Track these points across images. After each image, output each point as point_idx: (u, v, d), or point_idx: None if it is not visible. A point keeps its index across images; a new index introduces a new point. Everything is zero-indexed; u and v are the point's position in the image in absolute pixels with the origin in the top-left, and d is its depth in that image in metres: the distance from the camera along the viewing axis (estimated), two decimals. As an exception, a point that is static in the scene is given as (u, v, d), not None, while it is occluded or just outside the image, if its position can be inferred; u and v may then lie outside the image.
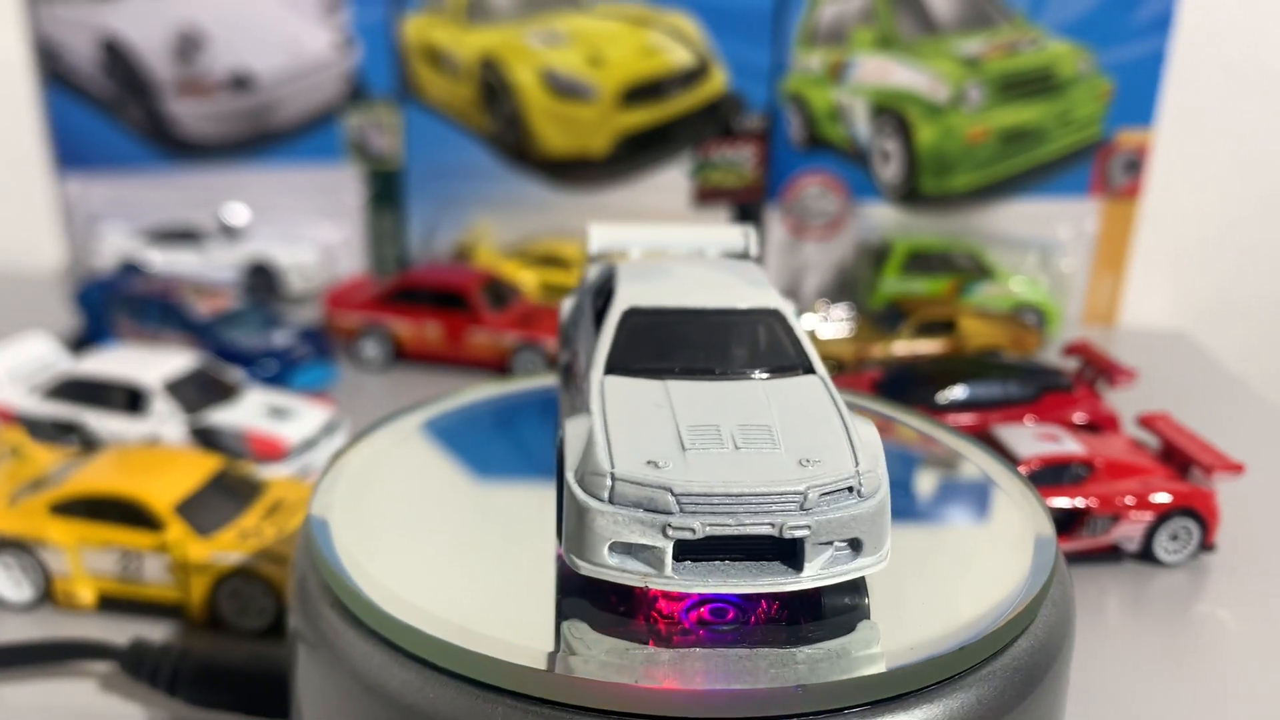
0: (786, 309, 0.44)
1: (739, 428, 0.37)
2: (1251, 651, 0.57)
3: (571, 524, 0.36)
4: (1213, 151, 1.08)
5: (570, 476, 0.36)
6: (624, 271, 0.46)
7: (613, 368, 0.41)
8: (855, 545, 0.35)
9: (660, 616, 0.36)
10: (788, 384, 0.40)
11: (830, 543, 0.35)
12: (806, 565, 0.35)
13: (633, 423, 0.38)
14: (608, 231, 0.53)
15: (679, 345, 0.42)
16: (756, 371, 0.41)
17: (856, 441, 0.36)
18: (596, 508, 0.35)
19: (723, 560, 0.35)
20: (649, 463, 0.35)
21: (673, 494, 0.35)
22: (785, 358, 0.42)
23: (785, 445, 0.36)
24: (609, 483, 0.35)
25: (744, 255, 0.52)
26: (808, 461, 0.35)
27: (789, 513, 0.34)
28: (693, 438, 0.37)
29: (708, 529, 0.34)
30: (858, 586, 0.38)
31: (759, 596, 0.36)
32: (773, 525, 0.34)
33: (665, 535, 0.35)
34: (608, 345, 0.42)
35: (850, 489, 0.35)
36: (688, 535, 0.34)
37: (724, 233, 0.53)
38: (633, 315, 0.43)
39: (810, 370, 0.41)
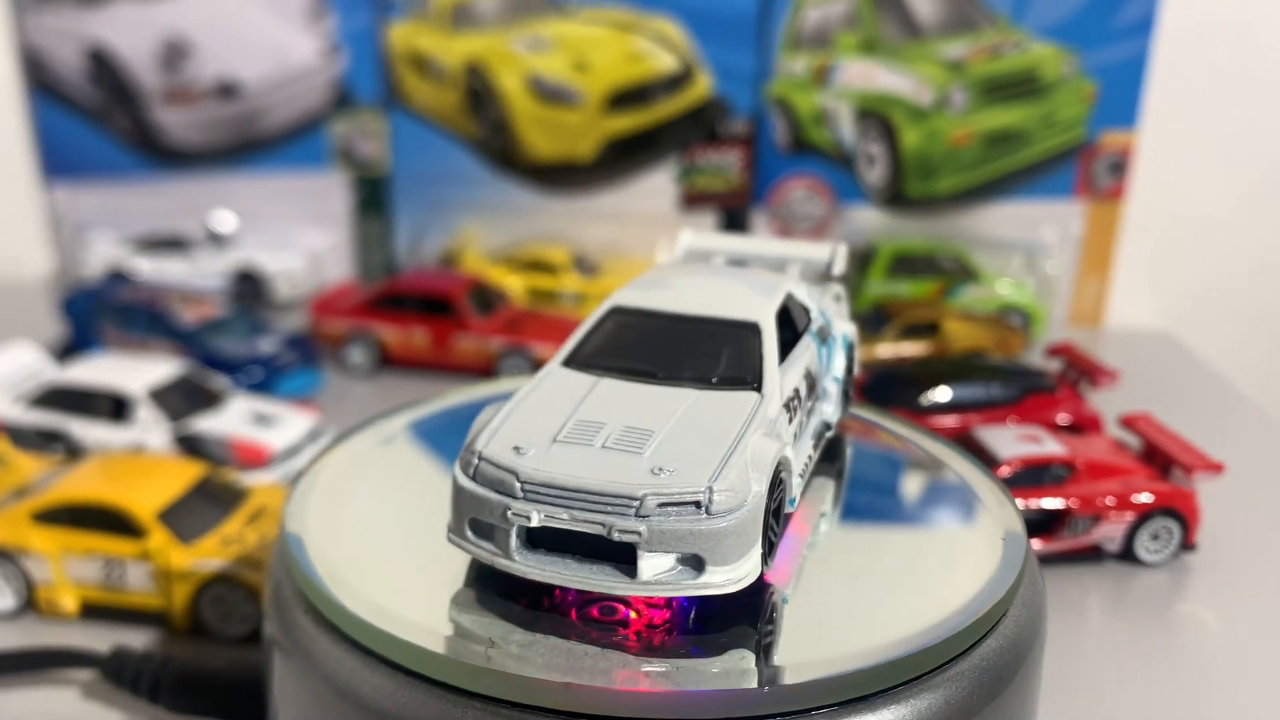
0: (768, 326, 0.43)
1: (622, 430, 0.38)
2: (1232, 650, 0.58)
3: (451, 498, 0.37)
4: (1196, 153, 1.09)
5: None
6: (644, 275, 0.47)
7: (570, 359, 0.43)
8: (696, 561, 0.35)
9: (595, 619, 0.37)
10: (718, 397, 0.40)
11: (670, 554, 0.35)
12: (640, 571, 0.35)
13: (534, 411, 0.39)
14: (697, 239, 0.54)
15: (639, 347, 0.43)
16: (699, 381, 0.41)
17: (733, 461, 0.36)
18: (461, 483, 0.37)
19: (573, 555, 0.36)
20: (514, 448, 0.37)
21: (518, 479, 0.36)
22: (737, 371, 0.41)
23: (652, 452, 0.36)
24: (476, 461, 0.37)
25: (828, 271, 0.52)
26: (660, 470, 0.35)
27: (622, 516, 0.35)
28: (570, 432, 0.38)
29: (544, 519, 0.35)
30: (828, 591, 0.38)
31: (698, 600, 0.37)
32: (604, 526, 0.35)
33: (507, 518, 0.36)
34: (577, 338, 0.44)
35: (697, 504, 0.35)
36: (524, 521, 0.35)
37: (812, 248, 0.53)
38: (615, 313, 0.44)
39: (757, 387, 0.41)
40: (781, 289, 0.46)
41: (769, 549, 0.37)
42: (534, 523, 0.35)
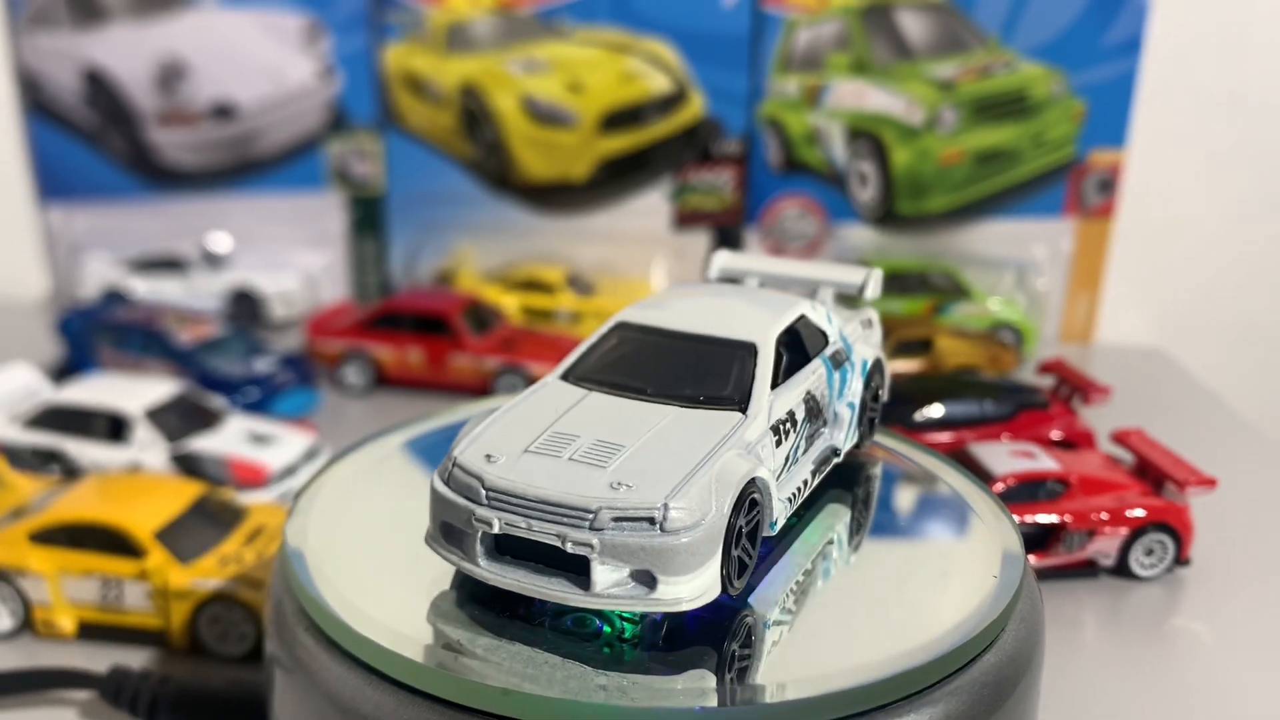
0: (765, 347, 0.43)
1: (593, 444, 0.38)
2: (1227, 664, 0.58)
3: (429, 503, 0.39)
4: (1184, 170, 1.10)
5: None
6: (657, 292, 0.48)
7: (567, 373, 0.43)
8: (649, 577, 0.35)
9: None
10: (700, 416, 0.40)
11: (624, 568, 0.35)
12: (594, 583, 0.35)
13: (515, 421, 0.40)
14: (732, 259, 0.54)
15: (635, 363, 0.43)
16: (686, 400, 0.41)
17: (696, 480, 0.36)
18: (435, 487, 0.38)
19: (534, 564, 0.37)
20: (486, 456, 0.38)
21: (483, 486, 0.37)
22: (726, 391, 0.41)
23: (616, 467, 0.37)
24: (450, 467, 0.38)
25: (859, 294, 0.52)
26: (619, 485, 0.36)
27: (576, 528, 0.35)
28: (543, 444, 0.38)
29: (505, 526, 0.36)
30: (822, 605, 0.39)
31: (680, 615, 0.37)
32: (559, 537, 0.35)
33: (472, 524, 0.36)
34: (579, 352, 0.44)
35: (651, 520, 0.35)
36: (487, 528, 0.36)
37: (845, 271, 0.53)
38: (620, 329, 0.45)
39: (743, 408, 0.41)
40: (793, 311, 0.45)
41: (739, 570, 0.37)
42: (495, 529, 0.36)
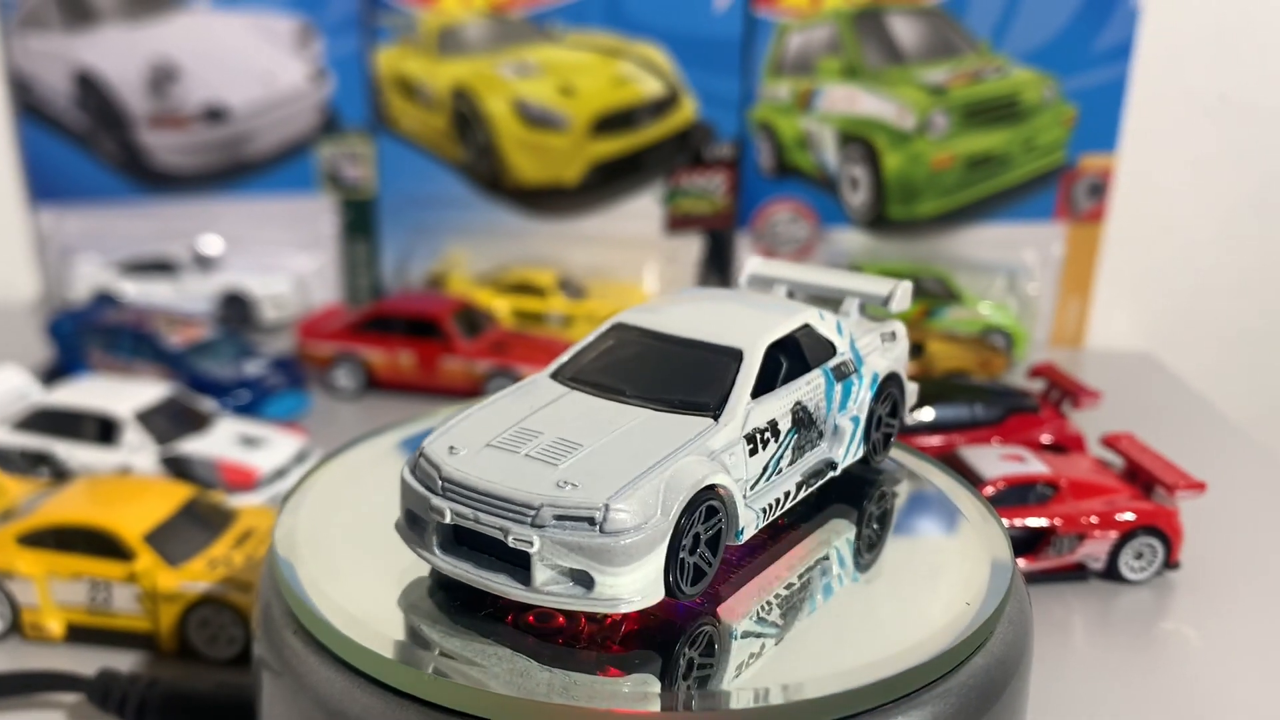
0: (752, 354, 0.42)
1: (554, 441, 0.38)
2: (1216, 666, 0.58)
3: None
4: (1174, 175, 1.10)
5: None
6: (663, 296, 0.48)
7: (557, 371, 0.44)
8: (586, 577, 0.35)
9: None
10: (670, 420, 0.40)
11: (564, 566, 0.35)
12: (534, 579, 0.36)
13: (488, 416, 0.41)
14: (763, 266, 0.53)
15: (621, 364, 0.43)
16: (661, 403, 0.41)
17: (645, 483, 0.36)
18: (403, 475, 0.39)
19: (484, 556, 0.37)
20: (450, 448, 0.39)
21: (439, 477, 0.38)
22: (702, 396, 0.41)
23: (568, 465, 0.37)
24: (418, 457, 0.39)
25: (885, 306, 0.50)
26: (565, 484, 0.36)
27: (518, 523, 0.36)
28: (505, 439, 0.39)
29: (455, 517, 0.37)
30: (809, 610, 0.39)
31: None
32: (502, 530, 0.36)
33: (428, 513, 0.38)
34: (573, 351, 0.45)
35: (591, 520, 0.35)
36: (439, 518, 0.37)
37: (873, 283, 0.51)
38: (616, 330, 0.45)
39: (715, 414, 0.40)
40: (793, 320, 0.45)
41: (695, 576, 0.37)
42: (446, 519, 0.37)
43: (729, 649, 0.37)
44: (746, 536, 0.40)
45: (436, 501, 0.37)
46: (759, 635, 0.37)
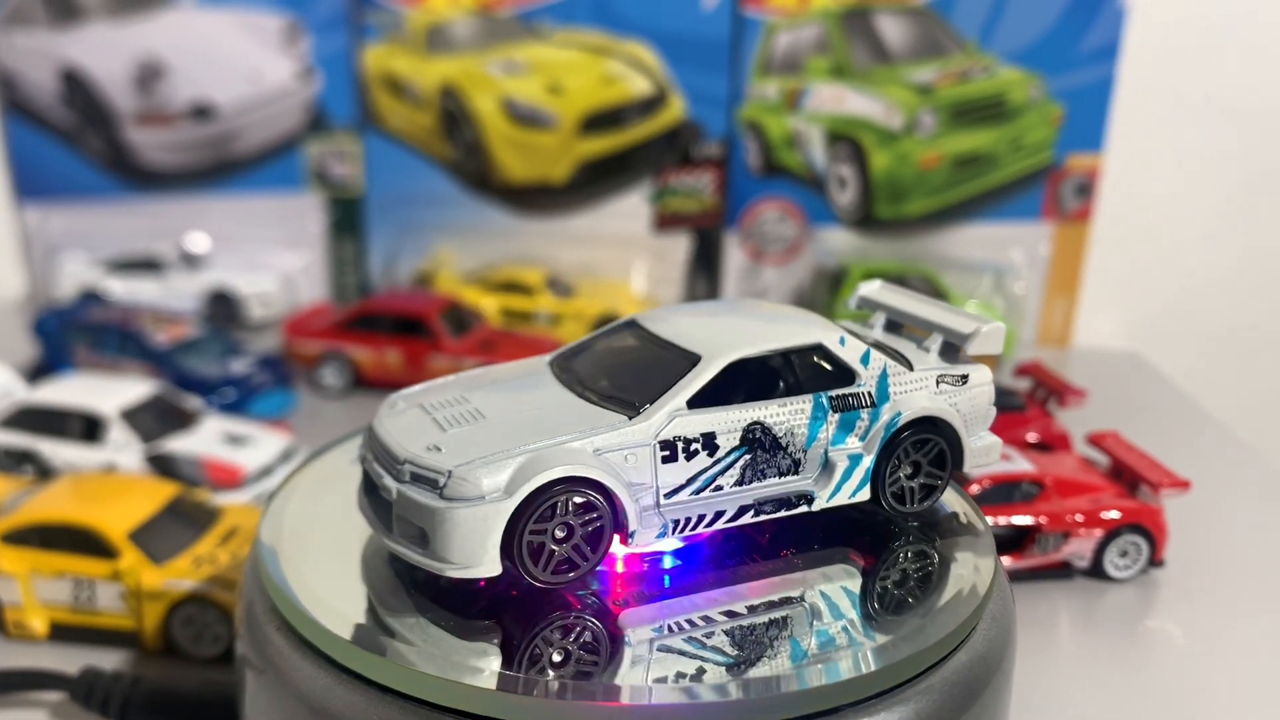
0: (711, 364, 0.41)
1: (466, 412, 0.41)
2: (1200, 665, 0.58)
3: None
4: (1161, 175, 1.11)
5: None
6: (696, 303, 0.50)
7: (554, 359, 0.46)
8: (421, 537, 0.38)
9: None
10: (586, 411, 0.40)
11: (412, 521, 0.38)
12: (394, 528, 0.39)
13: (452, 386, 0.44)
14: (875, 291, 0.51)
15: (600, 358, 0.44)
16: (594, 395, 0.41)
17: (502, 461, 0.37)
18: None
19: (378, 502, 0.41)
20: (392, 405, 0.43)
21: (370, 428, 0.42)
22: (635, 395, 0.41)
23: (454, 433, 0.39)
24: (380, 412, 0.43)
25: (963, 345, 0.46)
26: (434, 447, 0.39)
27: (389, 475, 0.39)
28: (435, 403, 0.42)
29: (364, 463, 0.41)
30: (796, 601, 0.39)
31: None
32: (378, 479, 0.40)
33: (360, 460, 0.42)
34: (576, 342, 0.47)
35: (435, 484, 0.37)
36: (360, 463, 0.42)
37: (961, 320, 0.46)
38: (625, 325, 0.46)
39: (632, 415, 0.40)
40: (794, 339, 0.42)
41: (555, 564, 0.38)
42: (363, 465, 0.41)
43: (621, 649, 0.37)
44: (640, 541, 0.39)
45: (360, 449, 0.42)
46: (732, 628, 0.38)
